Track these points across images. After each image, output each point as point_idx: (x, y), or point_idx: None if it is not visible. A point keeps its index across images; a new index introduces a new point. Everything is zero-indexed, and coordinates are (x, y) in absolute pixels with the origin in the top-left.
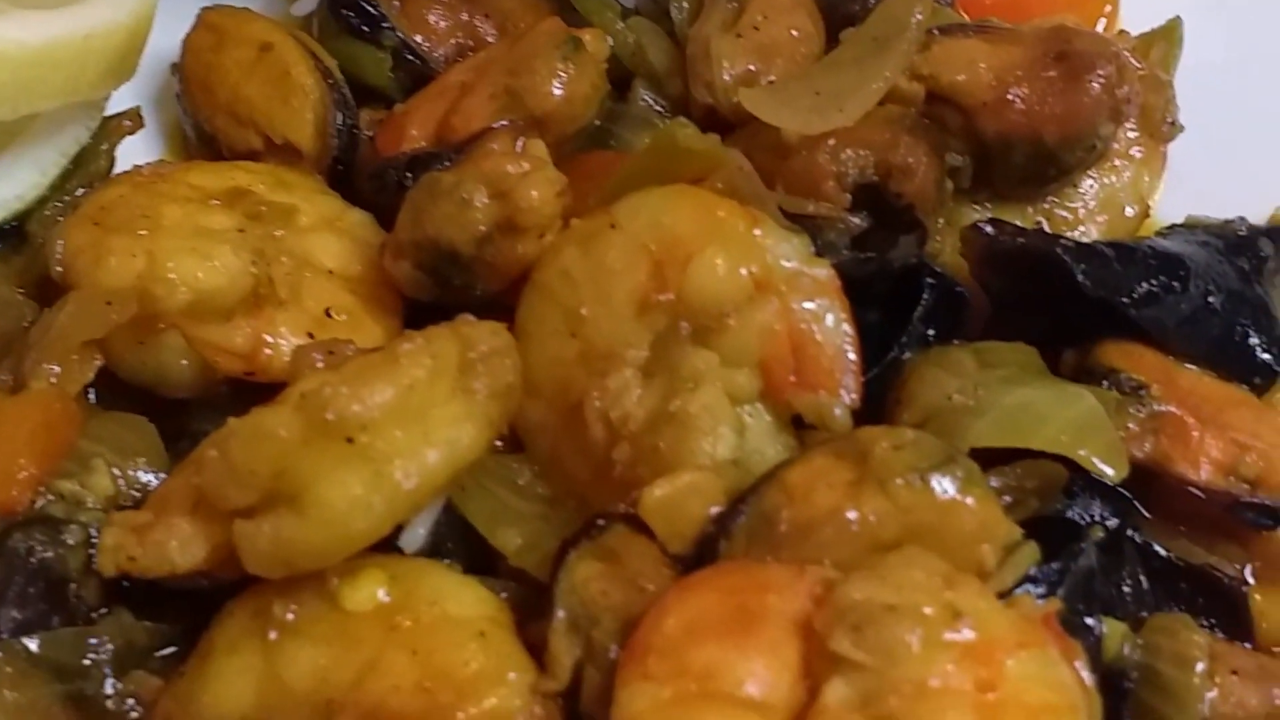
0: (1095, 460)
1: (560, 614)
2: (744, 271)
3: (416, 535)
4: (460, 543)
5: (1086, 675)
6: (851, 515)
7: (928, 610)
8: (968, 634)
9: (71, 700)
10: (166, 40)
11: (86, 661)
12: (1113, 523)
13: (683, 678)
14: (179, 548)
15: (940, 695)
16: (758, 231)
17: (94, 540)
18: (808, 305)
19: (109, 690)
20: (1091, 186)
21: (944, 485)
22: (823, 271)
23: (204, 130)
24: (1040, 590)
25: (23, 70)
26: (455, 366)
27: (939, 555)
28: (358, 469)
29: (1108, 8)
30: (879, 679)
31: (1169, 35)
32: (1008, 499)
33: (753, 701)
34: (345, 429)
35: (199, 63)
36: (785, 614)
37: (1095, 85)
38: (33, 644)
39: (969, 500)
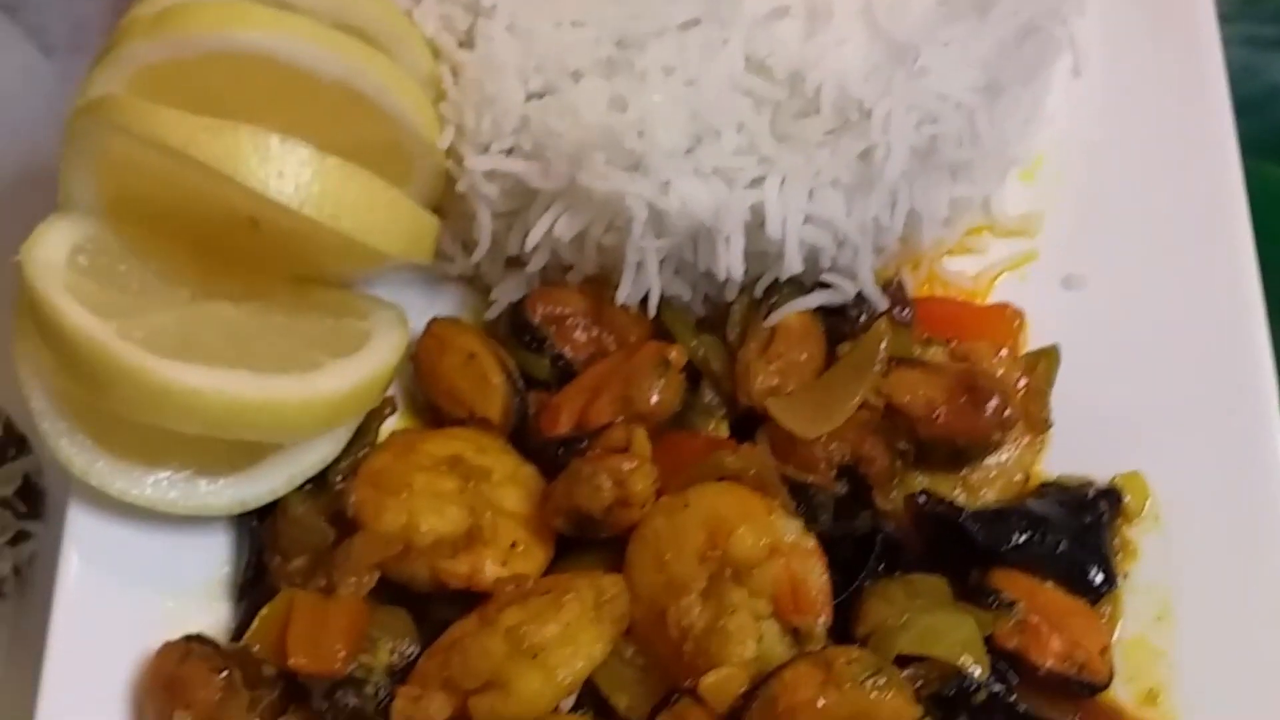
0: (969, 665)
1: None
2: (764, 541)
3: (569, 702)
4: (592, 699)
5: None
6: (821, 703)
7: None
8: None
9: None
10: None
11: None
12: (994, 689)
13: None
14: (436, 710)
15: None
16: (772, 516)
17: (381, 693)
18: (800, 563)
19: None
20: (992, 464)
21: (874, 687)
22: (810, 542)
23: (429, 401)
24: None
25: (339, 406)
26: (593, 606)
27: None
28: (539, 673)
29: (1017, 324)
30: None
31: (1050, 356)
32: (920, 683)
33: None
34: (532, 650)
35: (427, 359)
36: None
37: (989, 410)
38: None
39: (889, 695)
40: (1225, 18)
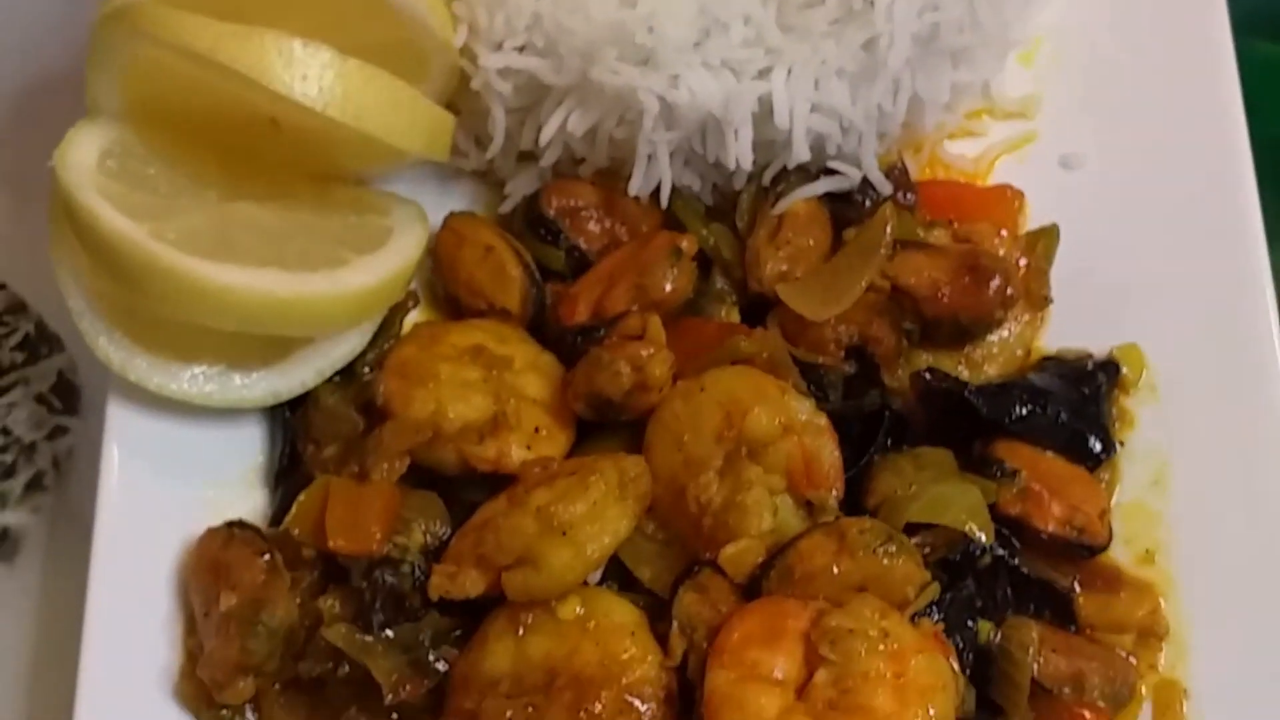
0: (975, 531)
1: (675, 623)
2: (777, 421)
3: (595, 576)
4: (617, 572)
5: (956, 665)
6: (835, 570)
7: (871, 632)
8: (891, 645)
9: (412, 663)
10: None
11: (418, 641)
12: (998, 553)
13: (741, 666)
14: (471, 584)
15: (874, 679)
16: (786, 396)
17: (417, 572)
18: (813, 440)
19: (431, 658)
20: (994, 340)
21: (885, 554)
22: (822, 420)
23: (449, 294)
24: (937, 614)
25: (366, 300)
26: (617, 485)
27: (881, 596)
28: (569, 549)
29: (1017, 205)
30: (843, 670)
31: (1049, 235)
32: (928, 550)
33: (777, 680)
34: (561, 527)
35: (446, 253)
36: (796, 630)
37: (992, 289)
38: (390, 633)
39: (900, 561)
40: None
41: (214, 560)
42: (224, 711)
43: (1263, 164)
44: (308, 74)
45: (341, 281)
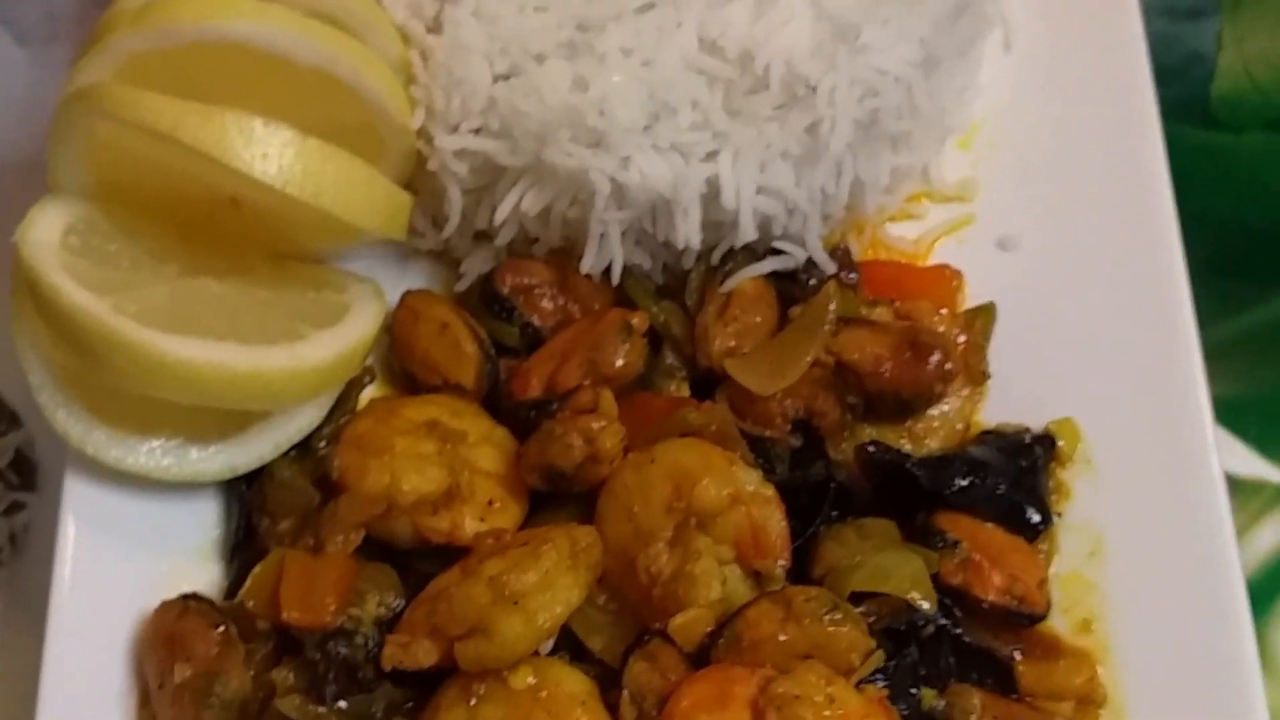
0: (918, 599)
1: (626, 692)
2: (726, 492)
3: (548, 645)
4: (568, 643)
5: None
6: (781, 638)
7: (816, 699)
8: (838, 711)
9: None
10: None
11: (371, 713)
12: (941, 622)
13: None
14: (423, 655)
15: None
16: (734, 467)
17: (370, 643)
18: (761, 510)
19: None
20: (935, 414)
21: (831, 622)
22: (769, 491)
23: (405, 370)
24: (882, 679)
25: (323, 375)
26: (569, 554)
27: (827, 662)
28: (520, 618)
29: (955, 284)
30: None
31: (987, 313)
32: (872, 618)
33: None
34: (514, 597)
35: (402, 330)
36: (744, 697)
37: (931, 364)
38: (344, 704)
39: (845, 629)
40: None
41: (169, 633)
42: None
43: (1191, 242)
44: (268, 152)
45: (299, 356)
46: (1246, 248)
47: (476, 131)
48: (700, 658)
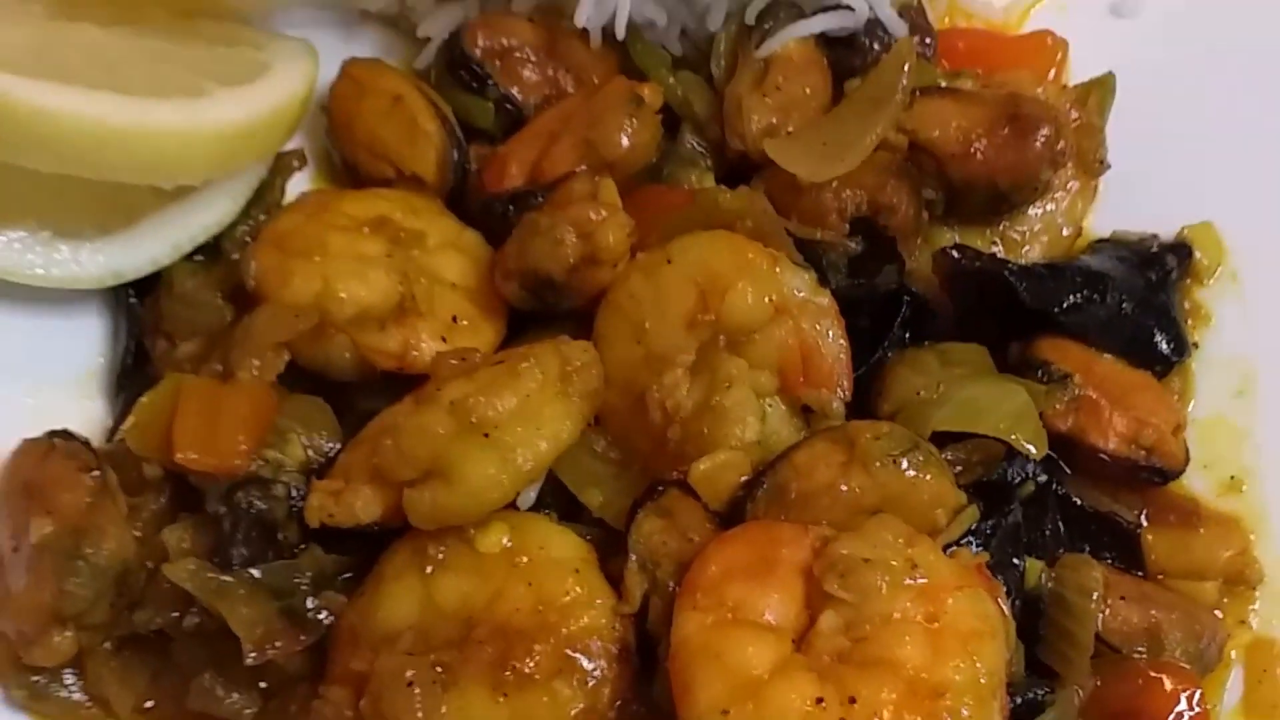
0: (1024, 442)
1: (632, 557)
2: (767, 299)
3: (529, 497)
4: (556, 497)
5: (1006, 608)
6: (843, 488)
7: (893, 563)
8: (920, 580)
9: (284, 613)
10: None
11: (293, 584)
12: (1041, 479)
13: (720, 608)
14: (363, 507)
15: (900, 625)
16: (777, 269)
17: (293, 494)
18: (813, 325)
19: (309, 605)
20: (1036, 214)
21: (909, 466)
22: (824, 299)
23: (347, 160)
24: (977, 543)
25: (229, 143)
26: (557, 377)
27: (904, 518)
28: (492, 456)
29: (1059, 55)
30: (857, 612)
31: (1103, 86)
32: (959, 468)
33: (769, 626)
34: (483, 427)
35: (343, 108)
36: (793, 562)
37: (1038, 142)
38: (256, 572)
39: (927, 477)
40: None
41: (27, 480)
42: (34, 678)
43: None
44: None
45: (198, 114)
46: None
47: None
48: (732, 515)
